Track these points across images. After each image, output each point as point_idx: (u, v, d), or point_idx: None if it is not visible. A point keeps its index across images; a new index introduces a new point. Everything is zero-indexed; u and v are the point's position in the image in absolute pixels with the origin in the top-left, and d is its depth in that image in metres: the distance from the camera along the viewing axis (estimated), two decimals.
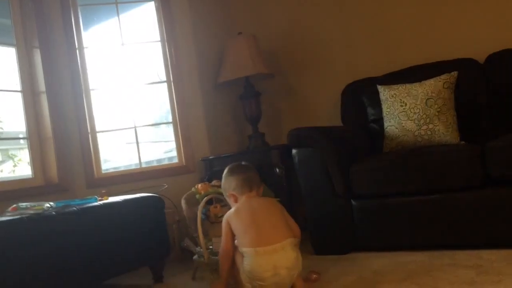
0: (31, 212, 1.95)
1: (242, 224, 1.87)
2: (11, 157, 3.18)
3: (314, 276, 2.01)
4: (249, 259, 1.77)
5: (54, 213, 1.97)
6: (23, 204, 2.01)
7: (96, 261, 2.08)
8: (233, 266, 1.91)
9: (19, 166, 3.12)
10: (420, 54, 2.97)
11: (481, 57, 2.71)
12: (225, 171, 2.08)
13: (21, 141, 3.09)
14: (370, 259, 2.20)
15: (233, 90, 3.43)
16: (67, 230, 1.98)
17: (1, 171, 3.10)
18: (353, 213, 2.38)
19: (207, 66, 3.36)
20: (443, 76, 2.57)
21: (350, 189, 2.39)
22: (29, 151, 2.92)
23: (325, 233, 2.46)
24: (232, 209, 1.96)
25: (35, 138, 2.93)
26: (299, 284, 1.85)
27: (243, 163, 2.11)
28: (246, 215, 1.88)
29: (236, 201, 1.99)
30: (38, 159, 2.93)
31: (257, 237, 1.80)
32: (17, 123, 3.00)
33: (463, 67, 2.65)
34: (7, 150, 3.23)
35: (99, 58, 3.25)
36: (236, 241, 1.91)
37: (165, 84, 3.29)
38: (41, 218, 1.91)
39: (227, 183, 2.04)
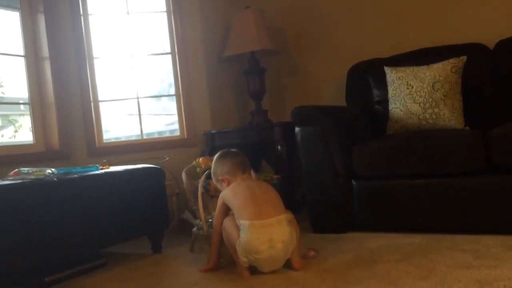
0: (33, 177, 1.95)
1: (240, 200, 1.91)
2: (11, 122, 3.17)
3: (312, 253, 2.03)
4: (246, 232, 1.81)
5: (55, 179, 1.97)
6: (25, 169, 2.02)
7: (95, 228, 2.10)
8: (225, 242, 1.95)
9: (19, 132, 3.10)
10: (429, 36, 2.93)
11: (491, 42, 2.68)
12: (216, 156, 2.12)
13: (22, 107, 3.07)
14: (368, 239, 2.22)
15: (237, 65, 3.40)
16: (68, 197, 1.99)
17: (2, 136, 3.08)
18: (353, 193, 2.39)
19: (212, 39, 3.32)
20: (452, 60, 2.54)
21: (351, 169, 2.38)
22: (31, 117, 2.91)
23: (324, 212, 2.47)
24: (228, 189, 1.98)
25: (37, 104, 2.92)
26: (296, 260, 1.88)
27: (232, 150, 2.16)
28: (244, 191, 1.92)
29: (229, 184, 2.03)
30: (39, 125, 2.92)
31: (255, 211, 1.84)
32: (18, 89, 2.98)
33: (472, 52, 2.62)
34: (7, 115, 3.22)
35: (103, 26, 3.21)
36: (234, 216, 1.93)
37: (169, 56, 3.26)
38: (42, 183, 1.92)
39: (220, 166, 2.07)
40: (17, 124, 3.12)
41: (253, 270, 1.86)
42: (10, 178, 1.97)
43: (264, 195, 1.91)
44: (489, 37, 2.69)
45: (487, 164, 2.10)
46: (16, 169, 2.03)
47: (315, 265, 1.90)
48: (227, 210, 1.98)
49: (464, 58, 2.54)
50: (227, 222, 1.93)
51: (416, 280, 1.59)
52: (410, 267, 1.74)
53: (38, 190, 1.88)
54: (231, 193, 1.95)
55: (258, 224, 1.80)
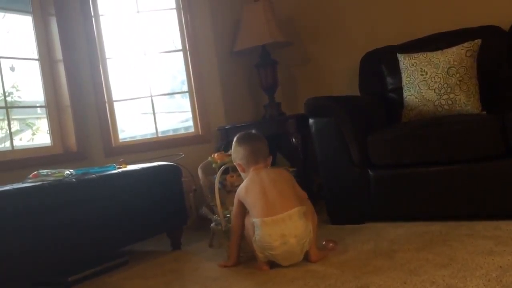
0: (52, 179, 1.98)
1: (252, 198, 1.91)
2: (29, 126, 3.22)
3: (331, 245, 2.02)
4: (259, 230, 1.82)
5: (74, 180, 2.00)
6: (44, 171, 2.05)
7: (115, 227, 2.12)
8: (244, 240, 1.97)
9: (37, 135, 3.15)
10: (442, 21, 2.88)
11: (506, 24, 2.62)
12: (235, 139, 2.10)
13: (38, 110, 3.12)
14: (387, 229, 2.20)
15: (249, 58, 3.39)
16: (87, 197, 2.02)
17: (20, 139, 3.14)
18: (369, 182, 2.37)
19: (223, 34, 3.32)
20: (466, 44, 2.50)
21: (367, 159, 2.37)
22: (47, 120, 2.96)
23: (342, 202, 2.46)
24: (242, 186, 1.98)
25: (53, 107, 2.96)
26: (313, 253, 1.88)
27: (253, 131, 2.13)
28: (256, 189, 1.92)
29: (243, 170, 2.04)
30: (56, 128, 2.96)
31: (265, 208, 1.85)
32: (34, 92, 3.02)
33: (487, 35, 2.57)
34: (25, 119, 3.27)
35: (114, 26, 3.23)
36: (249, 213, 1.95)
37: (181, 52, 3.26)
38: (62, 184, 1.94)
39: (235, 152, 2.07)
40: (34, 127, 3.17)
41: (273, 264, 1.87)
42: (30, 180, 2.01)
43: (275, 189, 1.89)
44: (504, 19, 2.64)
45: (505, 148, 2.07)
46: (36, 172, 2.06)
47: (334, 257, 1.89)
48: (244, 208, 1.98)
49: (478, 41, 2.50)
50: (246, 220, 1.94)
51: (437, 269, 1.58)
52: (431, 255, 1.73)
53: (58, 191, 1.91)
54: (244, 191, 1.95)
55: (269, 221, 1.80)
